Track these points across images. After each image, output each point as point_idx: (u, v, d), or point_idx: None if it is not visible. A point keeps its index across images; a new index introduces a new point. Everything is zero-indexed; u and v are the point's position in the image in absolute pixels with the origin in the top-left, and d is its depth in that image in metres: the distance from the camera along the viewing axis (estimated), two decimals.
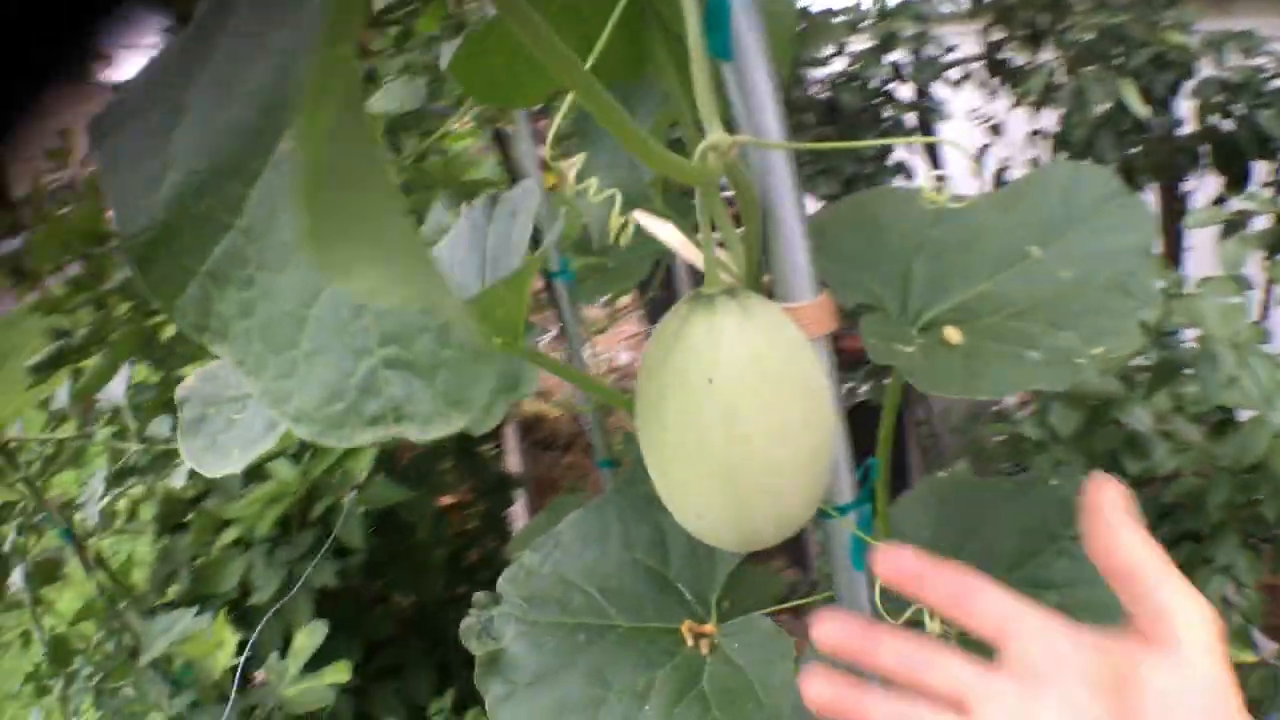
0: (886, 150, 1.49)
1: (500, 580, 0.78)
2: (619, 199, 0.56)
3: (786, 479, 0.53)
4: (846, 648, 0.48)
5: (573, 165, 0.56)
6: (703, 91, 0.52)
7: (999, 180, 1.62)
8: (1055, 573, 0.66)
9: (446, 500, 2.69)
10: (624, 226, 0.58)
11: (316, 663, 1.89)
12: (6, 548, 1.12)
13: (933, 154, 1.87)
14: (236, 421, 0.58)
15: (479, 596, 0.76)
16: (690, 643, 0.68)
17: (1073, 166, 0.65)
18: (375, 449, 1.61)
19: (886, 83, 1.51)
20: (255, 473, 1.73)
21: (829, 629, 0.48)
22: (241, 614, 1.75)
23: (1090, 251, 0.62)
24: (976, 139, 1.72)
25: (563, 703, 0.66)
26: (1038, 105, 1.46)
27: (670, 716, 0.61)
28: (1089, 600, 0.63)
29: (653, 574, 0.73)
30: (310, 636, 1.27)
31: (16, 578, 1.11)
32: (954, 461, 1.45)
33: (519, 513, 2.93)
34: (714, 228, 0.68)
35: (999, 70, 1.57)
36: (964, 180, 1.71)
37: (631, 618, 0.71)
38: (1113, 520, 0.44)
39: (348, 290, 0.31)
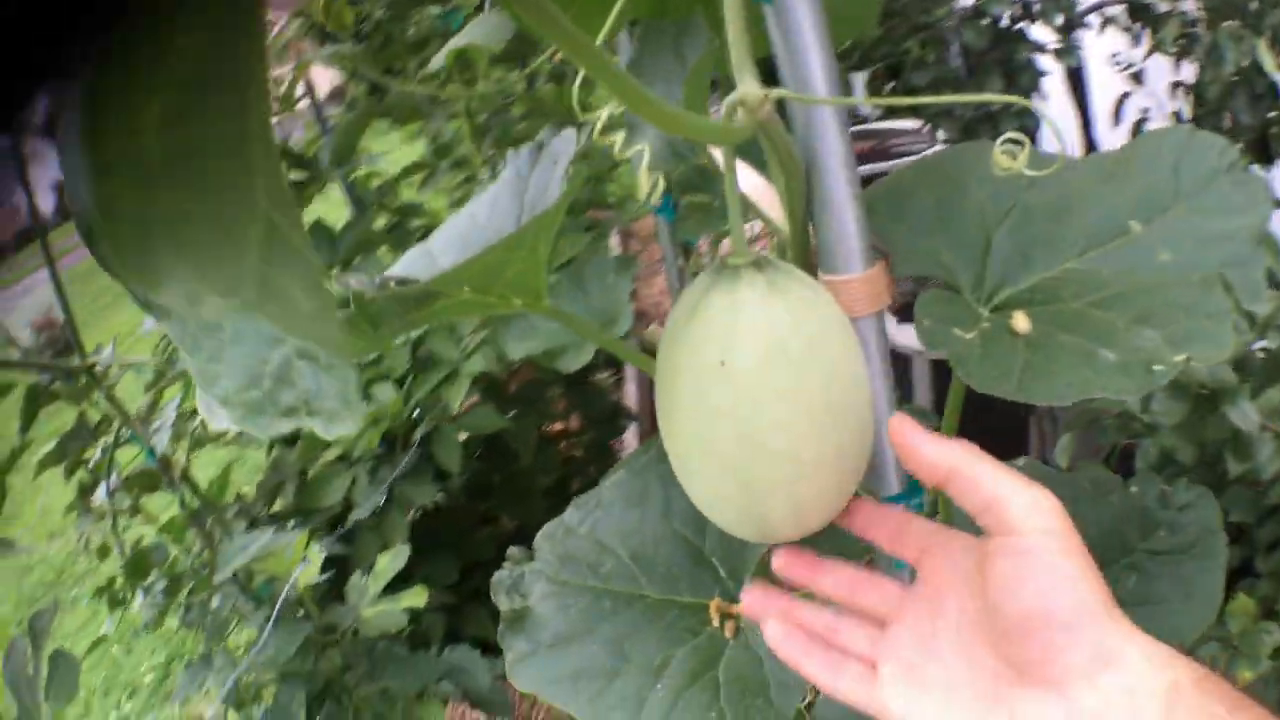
0: (1012, 90, 1.36)
1: (538, 535, 0.76)
2: (647, 154, 0.51)
3: (806, 476, 0.48)
4: (797, 573, 0.53)
5: (599, 116, 0.52)
6: (735, 36, 0.47)
7: (1137, 132, 1.47)
8: (1123, 589, 0.59)
9: (556, 428, 2.73)
10: (656, 184, 0.53)
11: (410, 581, 1.97)
12: (91, 465, 1.20)
13: (1079, 97, 1.71)
14: None
15: (513, 551, 0.75)
16: (716, 622, 0.65)
17: (1186, 132, 0.56)
18: (470, 378, 1.62)
19: (1016, 21, 1.37)
20: (363, 394, 1.80)
21: (784, 558, 0.53)
22: (343, 530, 1.83)
23: (1196, 232, 0.53)
24: (1117, 86, 1.56)
25: (580, 670, 0.64)
26: (1178, 57, 1.30)
27: (679, 699, 0.59)
28: (1154, 624, 0.56)
29: (688, 546, 0.70)
30: (393, 559, 1.30)
31: (100, 493, 1.18)
32: (1066, 431, 1.35)
33: (630, 442, 2.93)
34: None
35: (1140, 15, 1.40)
36: (1107, 133, 1.56)
37: (661, 588, 0.69)
38: (914, 439, 0.47)
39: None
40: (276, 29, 2.39)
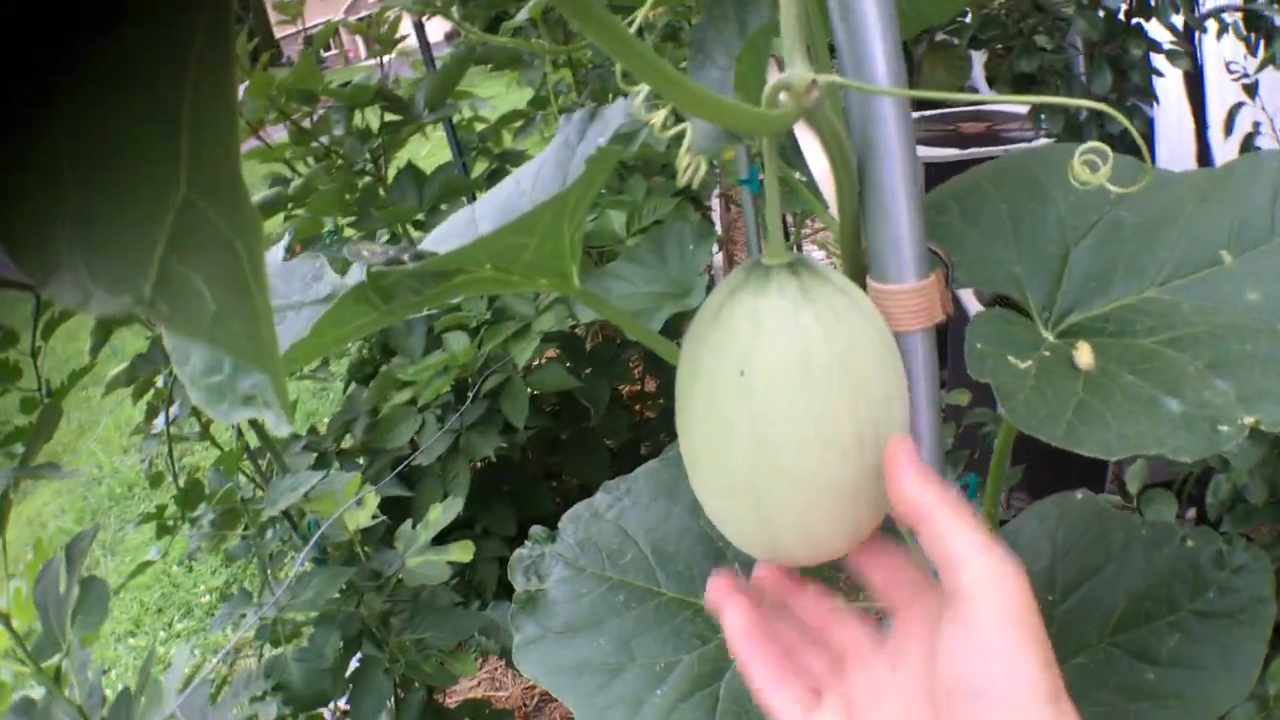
0: (1123, 87, 1.25)
1: (564, 516, 0.74)
2: (689, 134, 0.48)
3: (823, 501, 0.45)
4: (777, 586, 0.50)
5: (638, 92, 0.48)
6: (787, 12, 0.43)
7: (1245, 147, 1.35)
8: (1163, 648, 0.54)
9: (630, 389, 2.71)
10: (696, 167, 0.50)
11: (471, 528, 1.99)
12: (151, 393, 1.23)
13: (1196, 102, 1.58)
14: None
15: (536, 530, 0.74)
16: None
17: None
18: (540, 335, 1.61)
19: (1132, 16, 1.26)
20: (438, 342, 1.81)
21: (765, 571, 0.51)
22: (408, 474, 1.86)
23: None
24: (1232, 96, 1.43)
25: (584, 663, 0.63)
26: None
27: (674, 710, 0.56)
28: (1189, 690, 0.51)
29: (712, 546, 0.67)
30: (445, 511, 1.30)
31: (159, 421, 1.21)
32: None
33: None
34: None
35: (1255, 25, 1.27)
36: (1219, 143, 1.44)
37: (678, 587, 0.66)
38: (900, 470, 0.43)
39: None
40: None
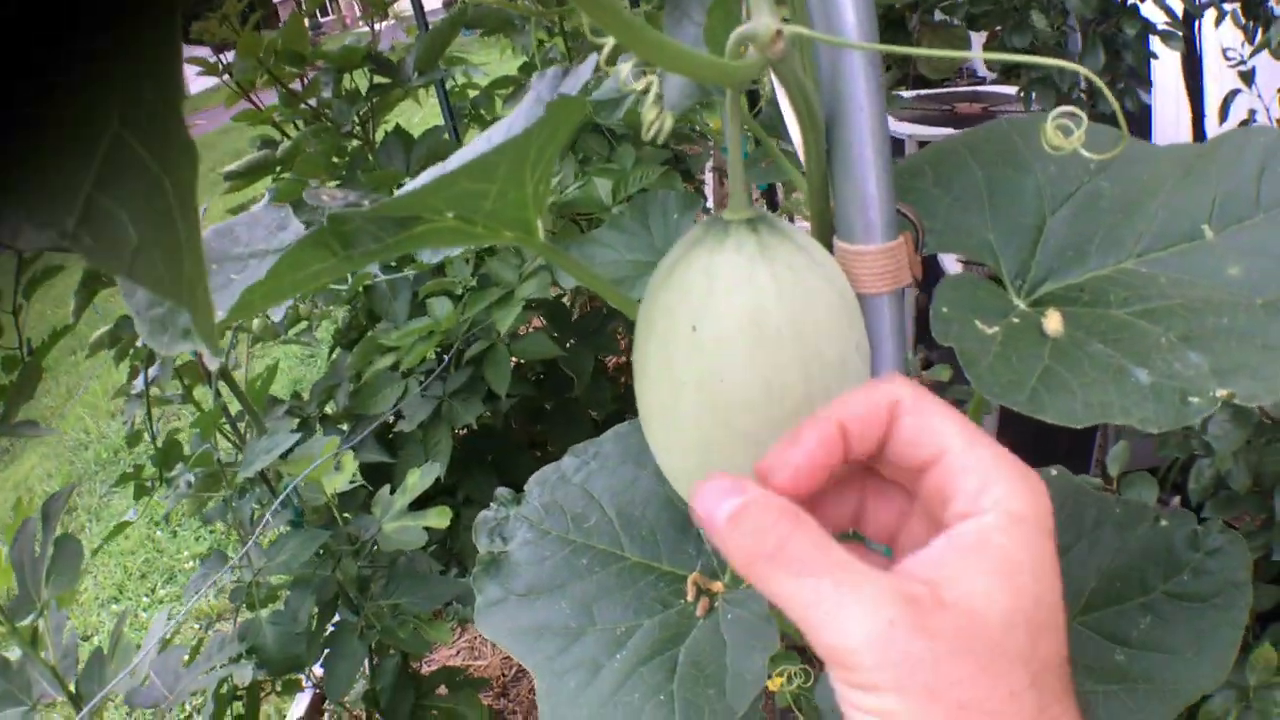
0: (1116, 67, 1.23)
1: (531, 479, 0.74)
2: (654, 88, 0.46)
3: None
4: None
5: (606, 45, 0.47)
6: None
7: None
8: (1134, 629, 0.53)
9: (616, 360, 2.70)
10: (661, 122, 0.48)
11: (453, 495, 1.98)
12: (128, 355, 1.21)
13: (1194, 88, 1.56)
14: (234, 281, 0.55)
15: (502, 492, 0.73)
16: (691, 596, 0.61)
17: (1275, 135, 0.48)
18: (523, 303, 1.60)
19: None
20: (423, 309, 1.79)
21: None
22: (390, 441, 1.85)
23: (1272, 250, 0.46)
24: (1228, 82, 1.41)
25: (545, 626, 0.62)
26: None
27: (633, 674, 0.56)
28: (1159, 673, 0.51)
29: (676, 511, 0.66)
30: (422, 477, 1.30)
31: (138, 382, 1.19)
32: (1123, 438, 1.26)
33: None
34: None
35: (1252, 12, 1.25)
36: (1214, 129, 1.42)
37: (642, 552, 0.65)
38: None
39: None
40: None
